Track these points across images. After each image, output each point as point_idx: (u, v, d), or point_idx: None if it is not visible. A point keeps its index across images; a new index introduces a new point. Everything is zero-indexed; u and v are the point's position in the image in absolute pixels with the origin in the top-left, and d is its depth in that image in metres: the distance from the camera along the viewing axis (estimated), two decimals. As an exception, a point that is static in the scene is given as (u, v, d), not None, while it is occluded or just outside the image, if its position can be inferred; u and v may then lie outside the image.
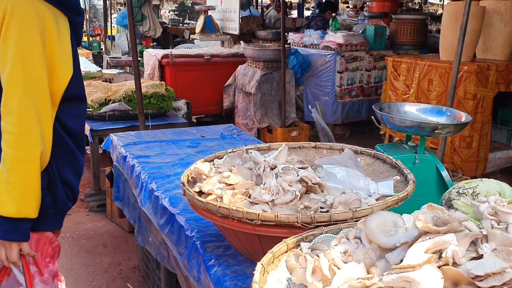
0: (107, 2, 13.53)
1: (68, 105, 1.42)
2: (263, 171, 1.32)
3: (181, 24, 14.67)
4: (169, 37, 13.87)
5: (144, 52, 6.15)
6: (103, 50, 11.49)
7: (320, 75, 5.28)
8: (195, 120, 5.96)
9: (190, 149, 2.58)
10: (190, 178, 1.39)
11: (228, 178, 1.27)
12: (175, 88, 5.21)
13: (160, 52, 5.74)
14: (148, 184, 2.03)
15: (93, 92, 3.77)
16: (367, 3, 12.40)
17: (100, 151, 3.91)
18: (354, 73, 5.26)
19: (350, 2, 11.01)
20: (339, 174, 1.35)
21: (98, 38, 12.76)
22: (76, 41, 1.44)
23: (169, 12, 24.19)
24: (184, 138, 2.76)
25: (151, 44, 11.59)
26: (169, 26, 14.47)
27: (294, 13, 14.59)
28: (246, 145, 2.71)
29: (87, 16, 17.12)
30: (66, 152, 1.43)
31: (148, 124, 3.65)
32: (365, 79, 5.36)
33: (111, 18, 13.80)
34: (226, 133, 2.89)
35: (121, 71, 4.79)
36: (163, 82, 4.14)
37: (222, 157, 1.57)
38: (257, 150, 1.64)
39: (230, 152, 1.59)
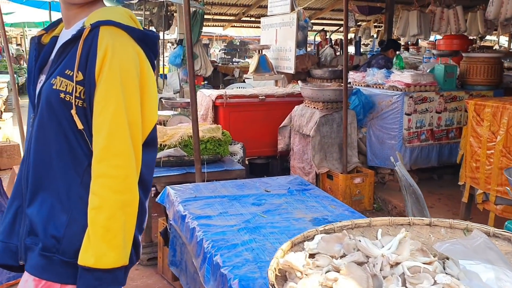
0: (159, 42, 13.77)
1: (144, 151, 1.31)
2: (381, 269, 0.98)
3: (231, 63, 14.71)
4: (219, 75, 13.89)
5: (197, 93, 5.99)
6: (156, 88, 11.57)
7: (385, 117, 4.89)
8: (247, 162, 5.70)
9: (255, 207, 2.25)
10: (278, 273, 1.06)
11: (335, 282, 0.93)
12: (228, 129, 4.99)
13: (214, 93, 5.54)
14: (212, 256, 1.71)
15: (147, 137, 3.55)
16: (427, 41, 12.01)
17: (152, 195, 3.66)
18: (423, 115, 4.84)
19: (404, 39, 10.64)
20: (484, 275, 0.98)
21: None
22: None
23: (219, 51, 24.58)
24: (247, 193, 2.44)
25: (202, 82, 11.58)
26: (220, 64, 14.54)
27: (350, 49, 14.35)
28: (319, 203, 2.38)
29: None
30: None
31: (204, 171, 3.37)
32: (435, 122, 4.92)
33: (163, 57, 14.01)
34: (293, 187, 2.56)
35: (175, 113, 4.59)
36: (219, 125, 3.88)
37: (312, 238, 1.23)
38: (354, 227, 1.30)
39: (322, 231, 1.24)
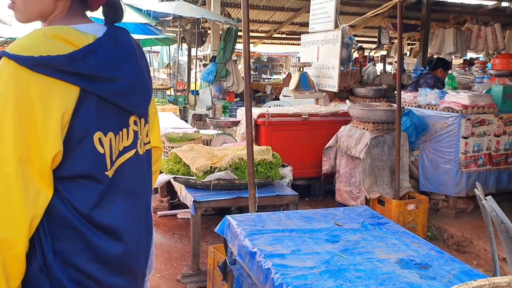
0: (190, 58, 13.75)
1: (75, 185, 1.21)
2: None
3: (261, 79, 14.60)
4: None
5: (238, 110, 5.83)
6: (188, 104, 11.48)
7: (440, 140, 4.62)
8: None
9: (330, 244, 2.03)
10: None
11: None
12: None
13: (256, 111, 5.36)
14: (299, 308, 1.49)
15: (197, 158, 3.37)
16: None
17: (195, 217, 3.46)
18: (481, 138, 4.55)
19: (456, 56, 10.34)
20: None
21: (182, 93, 12.83)
22: (116, 110, 1.27)
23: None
24: (317, 227, 2.22)
25: (235, 99, 11.47)
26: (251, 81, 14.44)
27: (380, 67, 14.06)
28: (400, 240, 2.14)
29: (171, 71, 17.65)
30: (76, 235, 1.21)
31: (256, 196, 3.17)
32: (493, 146, 4.63)
33: (195, 74, 13.98)
34: (366, 221, 2.32)
35: (219, 132, 4.42)
36: (269, 147, 3.68)
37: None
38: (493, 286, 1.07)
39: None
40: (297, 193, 3.46)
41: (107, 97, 1.23)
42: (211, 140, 4.38)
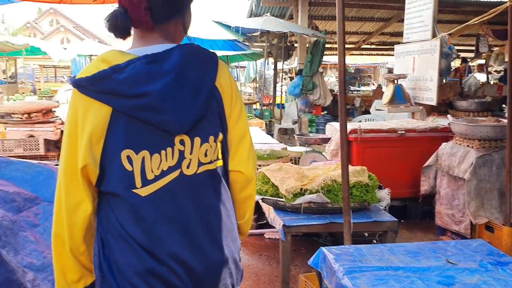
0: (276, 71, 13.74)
1: (117, 200, 1.32)
2: None
3: (350, 92, 14.20)
4: (338, 105, 13.43)
5: (327, 126, 5.60)
6: (273, 118, 11.41)
7: (560, 159, 4.06)
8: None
9: (442, 287, 1.74)
10: None
11: None
12: (362, 165, 4.52)
13: (347, 126, 5.09)
14: None
15: (286, 179, 3.20)
16: None
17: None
18: None
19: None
20: None
21: (268, 107, 12.80)
22: (140, 125, 1.29)
23: (335, 78, 24.17)
24: (426, 265, 1.94)
25: (322, 113, 11.21)
26: (338, 93, 14.10)
27: (481, 77, 13.09)
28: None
29: (257, 85, 17.80)
30: (128, 248, 1.31)
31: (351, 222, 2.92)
32: None
33: (281, 87, 13.94)
34: (485, 259, 2.00)
35: (308, 149, 4.22)
36: (364, 167, 3.42)
37: None
38: None
39: None
40: (396, 220, 3.16)
41: (133, 114, 1.27)
42: (299, 158, 4.19)
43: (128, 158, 1.28)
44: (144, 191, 1.29)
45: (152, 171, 1.30)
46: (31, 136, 5.09)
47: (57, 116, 5.41)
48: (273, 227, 3.34)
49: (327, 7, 12.65)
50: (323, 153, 4.29)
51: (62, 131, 5.26)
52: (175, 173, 1.31)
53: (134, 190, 1.29)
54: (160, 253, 1.29)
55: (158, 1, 1.32)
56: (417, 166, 4.99)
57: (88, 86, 1.27)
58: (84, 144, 1.26)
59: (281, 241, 3.04)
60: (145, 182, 1.29)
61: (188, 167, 1.33)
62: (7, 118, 5.08)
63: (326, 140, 4.35)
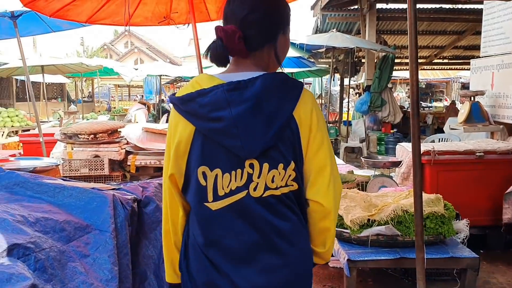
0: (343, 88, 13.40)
1: (193, 211, 1.51)
2: None
3: (421, 108, 13.57)
4: (408, 122, 12.85)
5: (397, 147, 5.24)
6: (339, 136, 11.06)
7: None
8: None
9: None
10: None
11: None
12: (435, 191, 4.17)
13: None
14: None
15: (351, 207, 2.94)
16: None
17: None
18: None
19: None
20: None
21: (334, 124, 12.47)
22: (214, 144, 1.42)
23: (405, 94, 23.35)
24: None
25: (392, 131, 10.74)
26: (408, 110, 13.49)
27: None
28: None
29: (322, 101, 17.51)
30: (200, 257, 1.49)
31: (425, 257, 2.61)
32: None
33: (347, 104, 13.57)
34: None
35: (376, 173, 3.92)
36: (439, 196, 3.09)
37: None
38: None
39: None
40: (477, 256, 2.80)
41: (210, 135, 1.40)
42: (366, 183, 3.91)
43: (203, 174, 1.42)
44: (214, 206, 1.43)
45: (223, 188, 1.41)
46: (97, 156, 5.16)
47: (122, 136, 5.46)
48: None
49: (395, 21, 12.22)
50: (393, 178, 3.97)
51: (126, 151, 5.31)
52: (242, 194, 1.41)
53: (206, 204, 1.43)
54: (222, 266, 1.43)
55: (251, 31, 1.42)
56: (497, 191, 4.54)
57: (179, 104, 1.43)
58: (172, 155, 1.45)
59: (346, 278, 2.77)
60: (216, 197, 1.42)
61: (255, 189, 1.40)
62: (74, 138, 5.19)
63: (397, 164, 4.03)
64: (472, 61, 6.30)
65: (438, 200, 2.99)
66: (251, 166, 1.40)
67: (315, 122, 1.42)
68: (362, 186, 3.90)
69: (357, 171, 4.33)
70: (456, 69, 19.48)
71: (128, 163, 5.22)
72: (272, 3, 1.48)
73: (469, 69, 18.01)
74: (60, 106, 20.13)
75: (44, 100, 12.34)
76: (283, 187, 1.42)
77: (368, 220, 2.82)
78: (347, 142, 10.13)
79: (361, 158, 3.91)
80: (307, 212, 1.49)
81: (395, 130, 10.74)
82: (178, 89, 27.44)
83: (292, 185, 1.43)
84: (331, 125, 10.88)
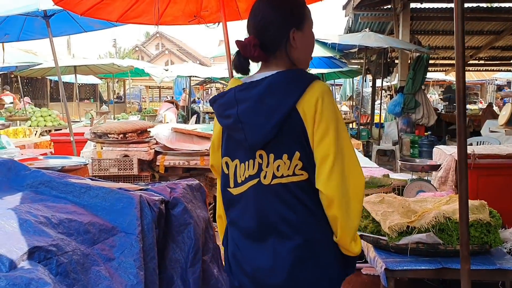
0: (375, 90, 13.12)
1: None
2: None
3: (455, 110, 13.12)
4: (442, 125, 12.45)
5: (434, 150, 5.02)
6: (371, 139, 10.80)
7: None
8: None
9: None
10: None
11: None
12: (475, 197, 3.97)
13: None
14: None
15: (389, 213, 2.77)
16: None
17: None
18: None
19: None
20: None
21: (366, 126, 12.20)
22: (233, 140, 1.63)
23: (437, 96, 22.75)
24: None
25: (426, 133, 10.41)
26: (443, 112, 13.10)
27: None
28: None
29: (353, 103, 17.21)
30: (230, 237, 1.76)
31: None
32: None
33: (380, 106, 13.28)
34: None
35: (414, 177, 3.72)
36: (484, 202, 2.89)
37: None
38: None
39: None
40: (527, 268, 2.58)
41: (227, 131, 1.63)
42: (403, 187, 3.72)
43: (226, 164, 1.65)
44: (234, 191, 1.63)
45: (240, 177, 1.60)
46: (126, 156, 5.12)
47: (151, 136, 5.41)
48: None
49: (430, 21, 11.88)
50: (432, 182, 3.76)
51: (155, 151, 5.25)
52: (254, 181, 1.57)
53: (228, 189, 1.64)
54: (239, 243, 1.64)
55: (264, 36, 1.56)
56: (544, 197, 4.27)
57: (212, 105, 1.67)
58: (211, 148, 1.74)
59: (383, 286, 2.61)
60: (236, 184, 1.62)
61: (264, 177, 1.55)
62: (104, 138, 5.16)
63: (435, 167, 3.82)
64: (514, 60, 5.99)
65: (483, 206, 2.79)
66: (261, 156, 1.56)
67: (319, 112, 1.47)
68: (399, 190, 3.71)
69: (393, 175, 4.13)
70: (492, 70, 18.88)
71: (157, 163, 5.16)
72: (277, 5, 1.58)
73: (506, 70, 17.39)
74: (93, 107, 20.44)
75: (76, 101, 12.52)
76: (290, 176, 1.52)
77: (408, 227, 2.64)
78: (379, 145, 9.86)
79: (397, 161, 3.72)
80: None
81: (429, 133, 10.41)
82: (207, 90, 27.56)
83: (302, 175, 1.51)
84: (362, 127, 10.60)
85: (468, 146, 5.12)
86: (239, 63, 1.61)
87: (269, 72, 1.55)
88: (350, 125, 13.10)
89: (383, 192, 3.32)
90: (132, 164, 5.07)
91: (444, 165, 4.57)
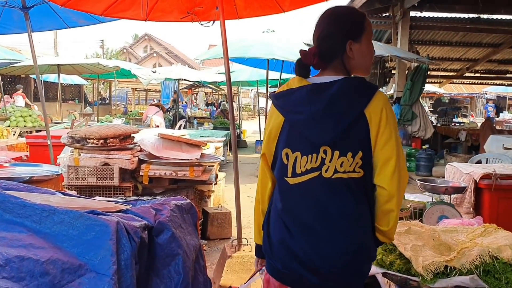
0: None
1: (278, 183, 1.83)
2: None
3: (453, 124, 12.76)
4: (438, 137, 12.10)
5: (447, 167, 4.58)
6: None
7: None
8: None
9: None
10: None
11: None
12: (496, 221, 3.57)
13: (477, 170, 4.06)
14: None
15: (419, 247, 2.29)
16: None
17: None
18: None
19: None
20: None
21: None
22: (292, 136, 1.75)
23: (427, 108, 22.51)
24: None
25: (424, 146, 10.02)
26: (439, 125, 12.75)
27: None
28: None
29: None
30: (277, 220, 1.82)
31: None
32: None
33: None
34: None
35: (434, 200, 3.26)
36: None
37: None
38: None
39: None
40: None
41: (294, 125, 1.74)
42: (421, 210, 3.26)
43: (286, 155, 1.74)
44: (292, 180, 1.73)
45: (300, 168, 1.71)
46: (106, 164, 4.59)
47: (135, 143, 4.88)
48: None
49: (429, 30, 11.54)
50: (455, 207, 3.31)
51: (139, 160, 4.73)
52: (316, 173, 1.68)
53: (286, 178, 1.74)
54: (292, 229, 1.71)
55: (322, 47, 1.74)
56: None
57: (274, 99, 1.80)
58: (266, 138, 1.82)
59: None
60: (294, 174, 1.72)
61: (326, 171, 1.67)
62: (82, 143, 4.63)
63: (461, 190, 3.37)
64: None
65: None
66: (325, 152, 1.67)
67: (384, 120, 1.63)
68: (415, 213, 3.25)
69: (408, 196, 3.67)
70: (488, 84, 18.66)
71: (141, 173, 4.64)
72: (337, 18, 1.75)
73: (501, 85, 17.11)
74: (77, 108, 19.77)
75: (60, 101, 11.91)
76: (351, 172, 1.65)
77: (446, 267, 2.17)
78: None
79: (417, 181, 3.27)
80: (375, 195, 1.70)
81: (427, 146, 10.02)
82: (196, 94, 27.00)
83: (360, 172, 1.65)
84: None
85: (487, 165, 4.70)
86: (299, 68, 1.78)
87: (332, 76, 1.70)
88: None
89: (404, 218, 2.86)
90: (113, 173, 4.55)
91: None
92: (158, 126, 11.32)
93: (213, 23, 4.69)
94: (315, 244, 1.67)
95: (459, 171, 4.24)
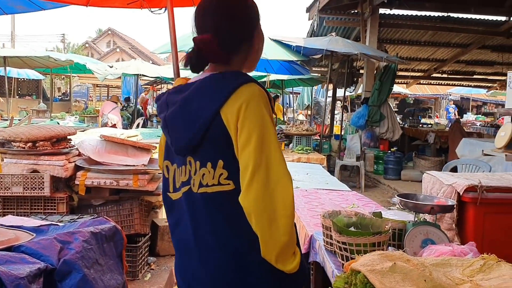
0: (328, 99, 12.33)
1: None
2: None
3: (420, 125, 12.49)
4: (406, 139, 11.79)
5: (424, 176, 4.10)
6: (333, 152, 9.91)
7: None
8: None
9: None
10: None
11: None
12: (481, 238, 3.20)
13: (461, 182, 3.58)
14: None
15: (408, 294, 1.75)
16: None
17: None
18: None
19: None
20: None
21: (327, 139, 11.31)
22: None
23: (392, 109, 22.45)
24: None
25: (393, 149, 9.65)
26: (406, 126, 12.47)
27: None
28: None
29: (311, 112, 16.43)
30: None
31: None
32: None
33: (337, 117, 12.50)
34: None
35: (416, 220, 2.74)
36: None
37: None
38: None
39: None
40: None
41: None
42: (400, 231, 2.76)
43: (167, 167, 1.57)
44: (173, 196, 1.55)
45: (177, 182, 1.52)
46: (35, 171, 3.90)
47: (72, 146, 4.21)
48: None
49: (398, 28, 11.21)
50: (440, 227, 2.80)
51: (76, 166, 4.07)
52: (186, 188, 1.48)
53: (168, 193, 1.57)
54: (177, 250, 1.58)
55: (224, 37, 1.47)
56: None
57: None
58: (158, 150, 1.69)
59: None
60: (174, 189, 1.54)
61: (193, 185, 1.46)
62: (7, 146, 3.94)
63: (449, 209, 2.87)
64: (509, 73, 5.23)
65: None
66: (190, 163, 1.46)
67: (241, 120, 1.37)
68: (394, 235, 2.74)
69: (386, 213, 3.15)
70: (454, 85, 18.64)
71: (76, 182, 3.97)
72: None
73: (467, 86, 17.08)
74: (34, 104, 18.64)
75: (7, 97, 10.99)
76: (215, 185, 1.42)
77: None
78: (339, 159, 8.98)
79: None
80: None
81: (395, 148, 9.66)
82: (158, 91, 26.16)
83: (229, 184, 1.41)
84: (325, 140, 9.69)
85: (470, 175, 4.24)
86: (197, 63, 1.51)
87: (210, 73, 1.48)
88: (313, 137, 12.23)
89: (379, 243, 2.35)
90: (43, 182, 3.86)
91: (439, 197, 3.66)
92: (115, 125, 10.56)
93: (165, 10, 4.10)
94: (191, 266, 1.51)
95: (438, 181, 3.75)
